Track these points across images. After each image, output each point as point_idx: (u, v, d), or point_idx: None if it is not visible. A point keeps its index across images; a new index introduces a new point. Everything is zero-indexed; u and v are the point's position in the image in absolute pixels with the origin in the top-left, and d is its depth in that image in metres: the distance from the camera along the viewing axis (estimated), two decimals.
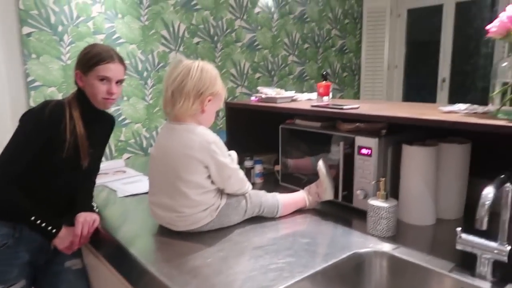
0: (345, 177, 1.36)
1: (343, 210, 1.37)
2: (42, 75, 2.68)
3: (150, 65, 3.16)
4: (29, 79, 2.65)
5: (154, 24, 3.16)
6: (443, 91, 4.33)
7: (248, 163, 1.67)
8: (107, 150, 3.02)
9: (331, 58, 4.53)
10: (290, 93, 1.70)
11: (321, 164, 1.34)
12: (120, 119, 3.10)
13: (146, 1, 3.11)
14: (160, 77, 3.20)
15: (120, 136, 3.11)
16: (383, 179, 1.14)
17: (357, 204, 1.33)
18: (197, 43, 3.42)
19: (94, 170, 1.49)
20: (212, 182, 1.17)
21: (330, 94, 1.68)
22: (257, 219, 1.28)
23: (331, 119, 1.43)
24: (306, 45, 4.25)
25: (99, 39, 2.85)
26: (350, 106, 1.35)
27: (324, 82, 1.68)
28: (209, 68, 1.19)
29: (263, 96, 1.67)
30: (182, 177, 1.13)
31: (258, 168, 1.67)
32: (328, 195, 1.35)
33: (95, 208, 1.35)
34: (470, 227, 0.98)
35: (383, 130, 1.29)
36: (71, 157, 1.32)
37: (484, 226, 0.81)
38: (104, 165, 1.94)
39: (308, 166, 1.52)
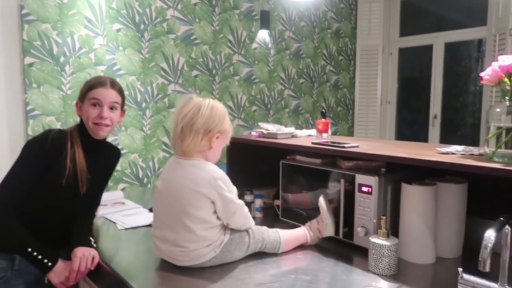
0: (345, 214, 1.38)
1: (344, 247, 1.38)
2: (42, 104, 2.70)
3: (149, 96, 3.21)
4: (28, 108, 2.67)
5: (154, 57, 3.24)
6: (434, 127, 4.43)
7: (248, 197, 1.68)
8: None
9: (326, 93, 4.64)
10: (290, 129, 1.75)
11: (322, 200, 1.37)
12: None
13: (147, 35, 3.20)
14: (159, 108, 3.25)
15: (117, 166, 3.10)
16: (384, 217, 1.17)
17: (358, 241, 1.34)
18: (196, 75, 3.49)
19: (94, 201, 1.50)
20: (218, 218, 1.19)
21: (329, 131, 1.73)
22: (259, 255, 1.29)
23: (331, 156, 1.46)
24: (301, 80, 4.35)
25: (100, 70, 2.91)
26: (351, 144, 1.39)
27: (323, 119, 1.73)
28: (219, 107, 1.23)
29: (264, 131, 1.71)
30: (188, 212, 1.14)
31: (258, 202, 1.69)
32: (329, 231, 1.37)
33: (92, 242, 1.33)
34: (470, 267, 1.00)
35: (382, 168, 1.32)
36: (70, 184, 1.33)
37: (487, 268, 0.83)
38: (104, 196, 1.94)
39: (306, 201, 1.54)
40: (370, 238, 1.19)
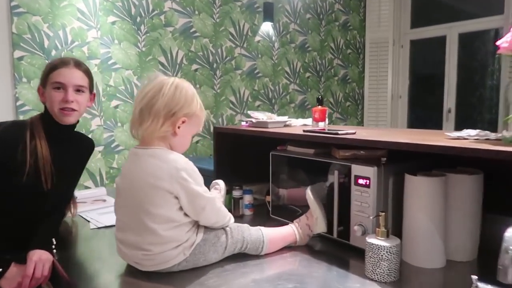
0: (340, 210, 1.20)
1: (338, 248, 1.21)
2: (32, 99, 2.60)
3: None
4: (19, 103, 2.57)
5: (151, 51, 3.13)
6: (449, 122, 4.20)
7: (236, 193, 1.52)
8: (97, 177, 2.89)
9: (334, 87, 4.46)
10: (283, 118, 1.58)
11: (309, 192, 1.19)
12: (113, 145, 2.99)
13: (144, 28, 3.08)
14: None
15: (113, 163, 2.99)
16: (383, 213, 0.99)
17: (355, 241, 1.17)
18: (196, 69, 3.36)
19: (62, 198, 1.35)
20: (186, 215, 1.02)
21: (326, 120, 1.55)
22: (239, 257, 1.12)
23: (326, 146, 1.29)
24: (307, 74, 4.19)
25: (93, 64, 2.80)
26: (346, 131, 1.21)
27: (319, 106, 1.55)
28: (186, 86, 1.07)
29: (254, 120, 1.55)
30: (148, 210, 0.98)
31: (248, 198, 1.52)
32: (320, 227, 1.19)
33: (54, 245, 1.18)
34: (486, 272, 0.82)
35: (383, 158, 1.15)
36: (32, 181, 1.19)
37: (510, 278, 0.65)
38: (85, 193, 1.80)
39: (303, 197, 1.36)
40: (366, 238, 1.01)
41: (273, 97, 3.94)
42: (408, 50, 4.53)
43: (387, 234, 0.99)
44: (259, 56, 3.80)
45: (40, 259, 1.08)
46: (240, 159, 1.66)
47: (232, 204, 1.53)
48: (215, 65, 3.50)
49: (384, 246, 0.97)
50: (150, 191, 0.98)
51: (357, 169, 1.14)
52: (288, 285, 0.97)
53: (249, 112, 1.67)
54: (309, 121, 1.69)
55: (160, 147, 1.03)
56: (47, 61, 2.69)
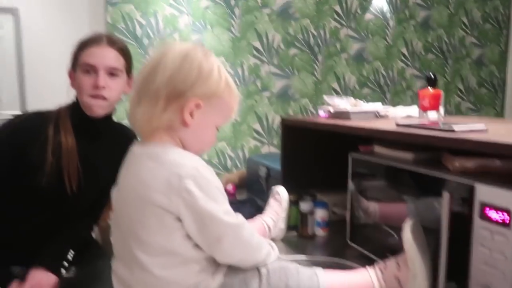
0: (452, 256, 0.74)
1: None
2: None
3: (239, 79, 2.91)
4: None
5: (245, 35, 2.91)
6: None
7: (305, 206, 1.14)
8: None
9: (465, 71, 3.68)
10: (375, 106, 1.13)
11: (408, 231, 0.76)
12: None
13: (238, 11, 2.87)
14: (250, 92, 2.91)
15: None
16: None
17: None
18: (295, 54, 3.03)
19: (93, 204, 1.14)
20: (197, 247, 0.70)
21: (441, 109, 1.06)
22: None
23: (433, 149, 0.83)
24: (430, 56, 3.52)
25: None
26: (468, 126, 0.74)
27: (430, 88, 1.06)
28: (199, 55, 0.73)
29: (331, 110, 1.14)
30: (137, 235, 0.69)
31: (320, 214, 1.15)
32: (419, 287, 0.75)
33: (68, 261, 0.97)
34: None
35: None
36: (53, 182, 1.00)
37: None
38: None
39: (402, 216, 0.92)
40: None
41: (385, 84, 3.41)
42: None
43: None
44: (370, 36, 3.32)
45: (39, 283, 0.87)
46: (316, 161, 1.27)
47: (300, 221, 1.16)
48: (316, 49, 3.13)
49: None
50: (140, 208, 0.68)
51: (486, 192, 0.67)
52: None
53: (325, 97, 1.26)
54: (415, 109, 1.20)
55: (163, 144, 0.72)
56: (139, 50, 2.69)
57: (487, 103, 3.82)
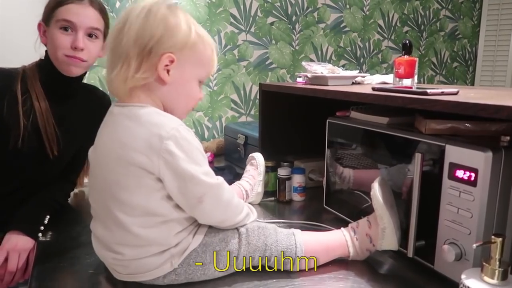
0: (422, 215, 0.78)
1: (414, 272, 0.80)
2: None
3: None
4: None
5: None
6: None
7: (283, 172, 1.16)
8: None
9: (438, 45, 3.74)
10: (352, 73, 1.15)
11: (377, 188, 0.79)
12: None
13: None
14: (227, 62, 2.88)
15: None
16: (500, 238, 0.55)
17: (442, 267, 0.75)
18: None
19: (68, 168, 1.13)
20: (178, 207, 0.70)
21: (416, 77, 1.08)
22: (257, 274, 0.78)
23: (408, 113, 0.85)
24: (406, 28, 3.54)
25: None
26: (441, 90, 0.76)
27: (405, 56, 1.08)
28: (162, 8, 0.72)
29: (309, 75, 1.14)
30: (116, 196, 0.69)
31: (298, 179, 1.17)
32: (388, 243, 0.80)
33: (41, 227, 0.96)
34: None
35: (505, 137, 0.68)
36: (33, 147, 0.97)
37: None
38: None
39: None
40: (464, 279, 0.59)
41: (361, 56, 3.42)
42: None
43: (504, 275, 0.56)
44: (347, 6, 3.29)
45: (14, 248, 0.86)
46: (294, 128, 1.29)
47: (277, 186, 1.18)
48: (294, 18, 3.10)
49: None
50: (118, 168, 0.68)
51: (455, 152, 0.71)
52: None
53: (303, 63, 1.26)
54: (390, 77, 1.22)
55: (142, 104, 0.71)
56: (112, 14, 2.59)
57: (459, 77, 3.91)
